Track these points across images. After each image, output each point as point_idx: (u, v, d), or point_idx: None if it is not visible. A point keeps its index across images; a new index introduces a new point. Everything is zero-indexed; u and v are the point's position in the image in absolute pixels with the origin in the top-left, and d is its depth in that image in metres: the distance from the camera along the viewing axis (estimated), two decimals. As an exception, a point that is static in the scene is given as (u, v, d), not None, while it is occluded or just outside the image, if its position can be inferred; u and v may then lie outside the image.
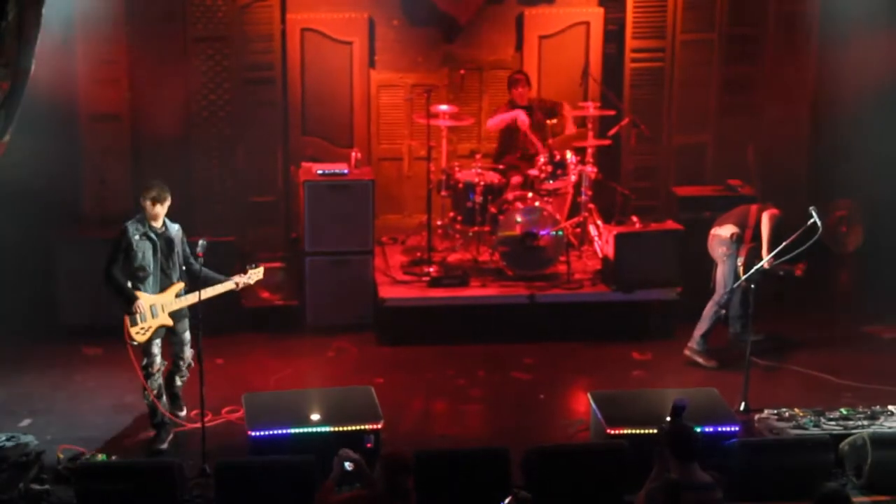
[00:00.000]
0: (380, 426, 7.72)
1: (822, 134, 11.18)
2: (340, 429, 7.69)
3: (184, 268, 8.11)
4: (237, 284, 8.27)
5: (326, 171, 10.13)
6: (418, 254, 10.56)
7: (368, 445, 7.54)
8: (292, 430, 7.68)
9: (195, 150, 10.69)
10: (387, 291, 10.06)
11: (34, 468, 7.56)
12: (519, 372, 9.46)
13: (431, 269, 10.24)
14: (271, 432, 7.67)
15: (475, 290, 10.10)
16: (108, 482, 7.24)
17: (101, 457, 7.79)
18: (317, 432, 7.69)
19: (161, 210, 7.99)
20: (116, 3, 10.32)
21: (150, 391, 8.08)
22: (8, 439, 7.72)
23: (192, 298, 7.99)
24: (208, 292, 8.05)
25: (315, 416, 7.82)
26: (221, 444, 8.01)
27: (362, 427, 7.69)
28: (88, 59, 10.36)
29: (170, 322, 8.08)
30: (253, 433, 7.68)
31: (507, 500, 6.33)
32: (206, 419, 7.90)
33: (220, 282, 8.19)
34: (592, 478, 7.30)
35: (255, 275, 8.37)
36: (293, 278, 10.41)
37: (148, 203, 7.96)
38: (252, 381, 8.91)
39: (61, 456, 7.77)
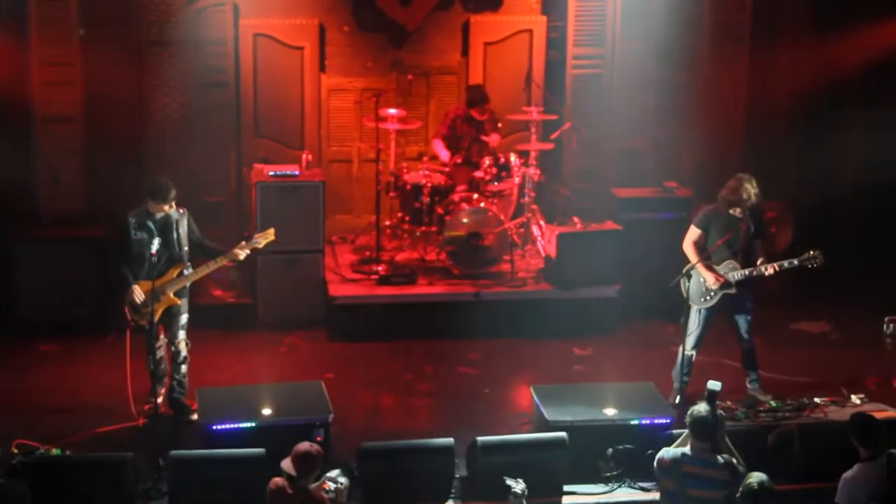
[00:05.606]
0: (329, 420, 7.81)
1: (755, 138, 11.40)
2: (291, 423, 7.75)
3: (185, 248, 8.28)
4: (243, 252, 8.37)
5: (278, 173, 10.19)
6: (367, 253, 10.65)
7: (318, 439, 7.60)
8: (245, 424, 7.74)
9: (149, 151, 10.71)
10: (337, 289, 10.15)
11: (-11, 463, 7.56)
12: (465, 367, 9.58)
13: (380, 268, 10.33)
14: (224, 426, 7.72)
15: (422, 288, 10.21)
16: (62, 476, 7.32)
17: (55, 451, 7.79)
18: (268, 426, 7.76)
19: (160, 207, 8.21)
20: (70, 6, 10.33)
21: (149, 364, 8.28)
22: (-37, 435, 7.71)
23: (193, 276, 8.26)
24: (217, 263, 8.31)
25: (267, 411, 7.90)
26: (174, 437, 8.10)
27: (313, 421, 7.77)
28: (42, 61, 10.38)
29: (177, 301, 8.27)
30: (206, 427, 7.74)
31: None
32: (147, 410, 8.07)
33: (222, 253, 8.35)
34: (534, 468, 7.44)
35: (264, 237, 8.45)
36: (245, 276, 10.41)
37: (150, 202, 8.22)
38: (205, 376, 8.89)
39: (16, 451, 7.76)
